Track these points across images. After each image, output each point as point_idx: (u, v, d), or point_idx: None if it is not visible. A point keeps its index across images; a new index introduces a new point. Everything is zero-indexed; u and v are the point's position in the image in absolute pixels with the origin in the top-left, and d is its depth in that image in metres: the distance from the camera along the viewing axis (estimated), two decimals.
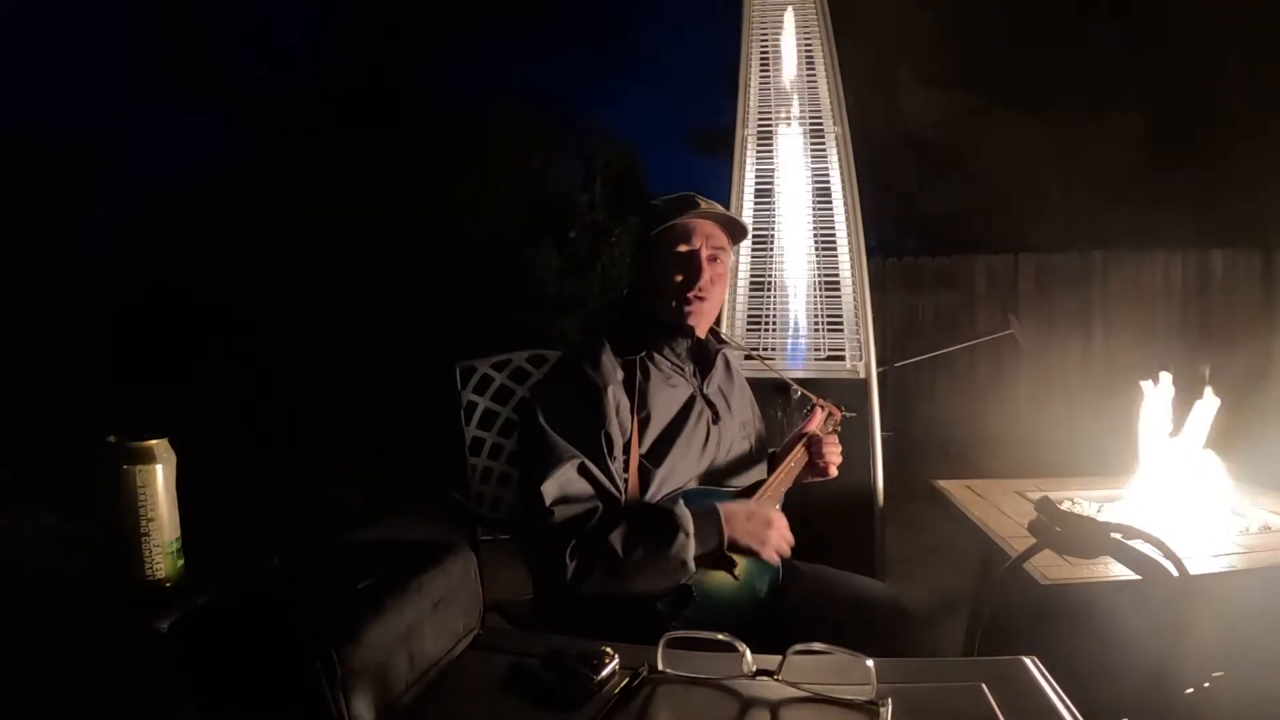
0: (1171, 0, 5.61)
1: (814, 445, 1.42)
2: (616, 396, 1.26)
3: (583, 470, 1.21)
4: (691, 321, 1.36)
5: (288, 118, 6.91)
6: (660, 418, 1.30)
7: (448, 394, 1.79)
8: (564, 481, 1.19)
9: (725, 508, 1.24)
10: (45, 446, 3.21)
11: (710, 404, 1.38)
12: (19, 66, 6.68)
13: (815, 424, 1.46)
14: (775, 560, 1.28)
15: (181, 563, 0.90)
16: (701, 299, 1.35)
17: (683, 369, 1.38)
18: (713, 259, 1.36)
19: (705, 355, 1.40)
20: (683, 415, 1.33)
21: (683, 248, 1.34)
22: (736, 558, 1.25)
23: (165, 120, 7.13)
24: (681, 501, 1.22)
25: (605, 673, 0.68)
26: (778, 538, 1.26)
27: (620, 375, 1.29)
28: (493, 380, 1.83)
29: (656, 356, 1.35)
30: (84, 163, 6.49)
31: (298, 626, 0.63)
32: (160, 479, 0.88)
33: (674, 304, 1.35)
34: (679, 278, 1.34)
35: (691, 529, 1.18)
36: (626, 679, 0.69)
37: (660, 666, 0.70)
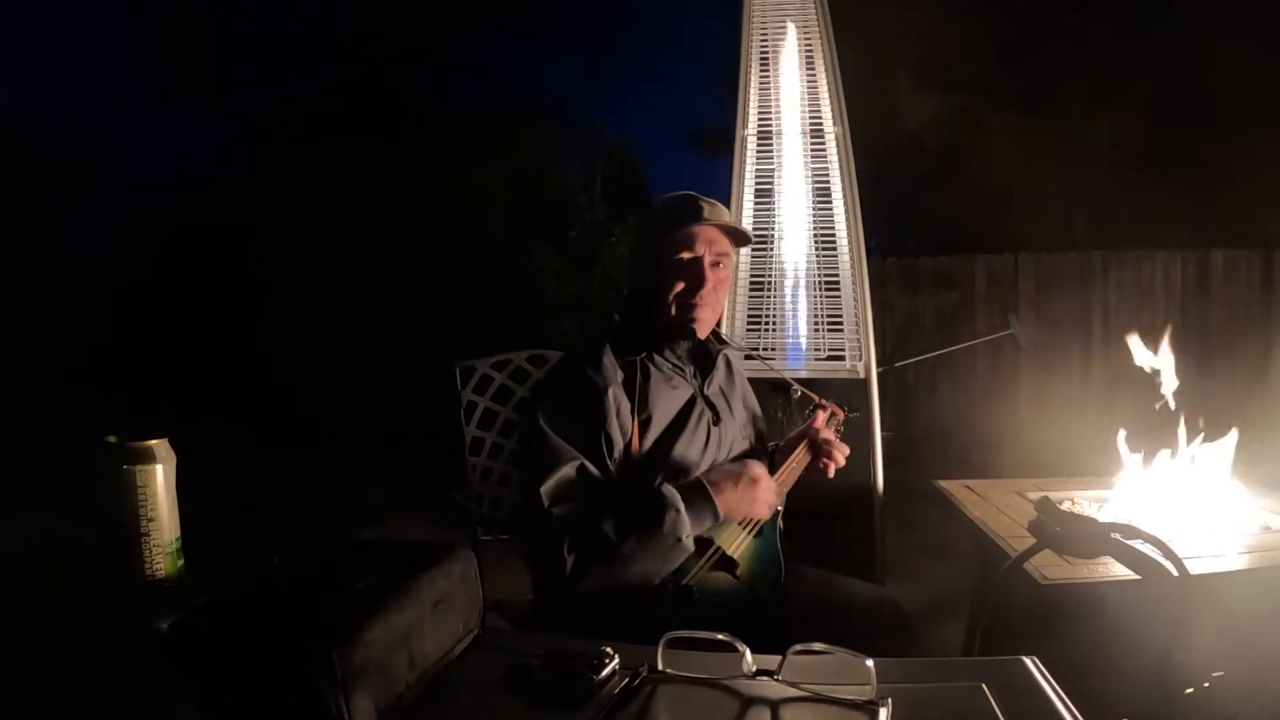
0: (1171, 0, 5.61)
1: (817, 445, 1.42)
2: (617, 398, 1.26)
3: (582, 472, 1.21)
4: (694, 326, 1.36)
5: (288, 117, 6.91)
6: (661, 419, 1.30)
7: (448, 394, 1.79)
8: (563, 483, 1.20)
9: (708, 478, 1.25)
10: (45, 446, 3.21)
11: (711, 405, 1.38)
12: (18, 65, 6.68)
13: (819, 424, 1.46)
14: (765, 514, 1.29)
15: (181, 563, 0.90)
16: (703, 306, 1.35)
17: (683, 370, 1.38)
18: (715, 265, 1.35)
19: (706, 356, 1.40)
20: (683, 416, 1.33)
21: (685, 255, 1.33)
22: (738, 560, 1.25)
23: (166, 119, 7.13)
24: (666, 483, 1.23)
25: (605, 673, 0.68)
26: (765, 491, 1.27)
27: (621, 377, 1.29)
28: (493, 380, 1.83)
29: (657, 358, 1.35)
30: (84, 162, 6.49)
31: (298, 626, 0.63)
32: (160, 479, 0.88)
33: (675, 310, 1.35)
34: (680, 285, 1.34)
35: (681, 504, 1.18)
36: (626, 679, 0.69)
37: (660, 666, 0.70)
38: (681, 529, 1.17)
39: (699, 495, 1.22)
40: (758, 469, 1.29)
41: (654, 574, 1.18)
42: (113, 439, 0.87)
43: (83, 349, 5.58)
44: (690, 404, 1.35)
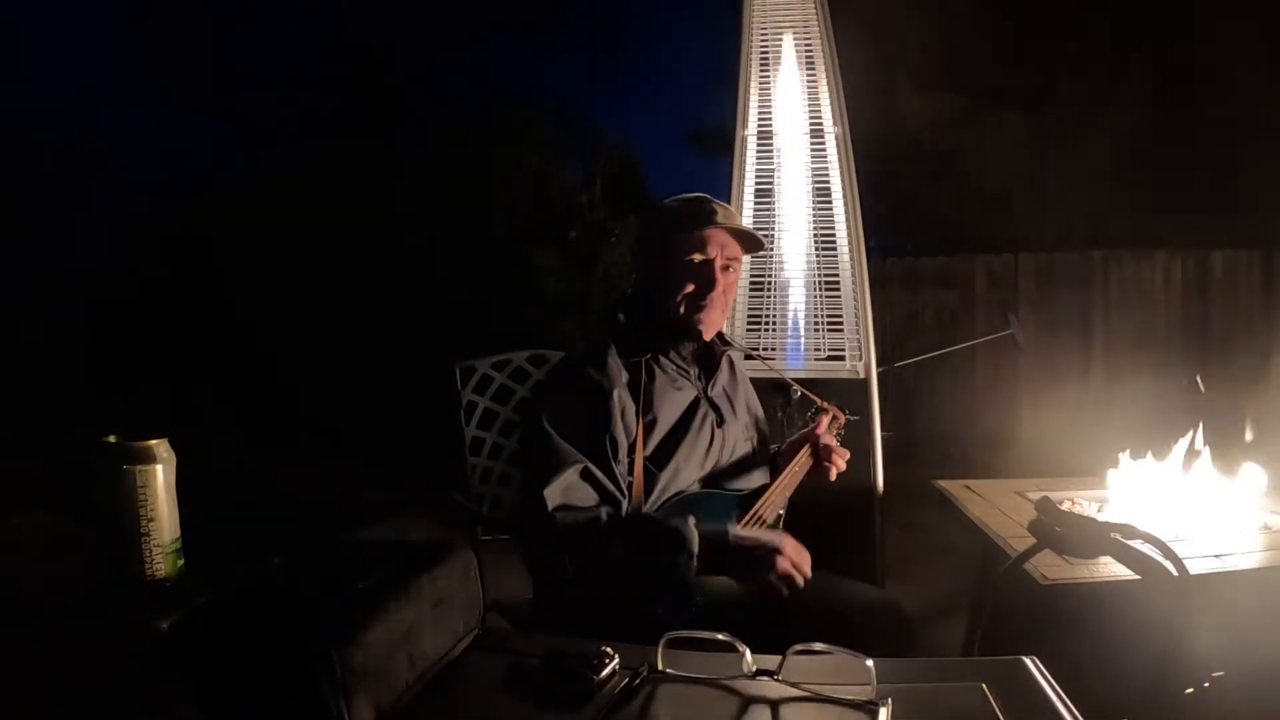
0: (1171, 0, 5.61)
1: (820, 449, 1.42)
2: (622, 399, 1.25)
3: (586, 475, 1.20)
4: (700, 328, 1.35)
5: (288, 117, 6.91)
6: (665, 420, 1.30)
7: (448, 394, 1.79)
8: (567, 486, 1.18)
9: (735, 533, 1.19)
10: (44, 446, 3.20)
11: (715, 406, 1.38)
12: (18, 65, 6.68)
13: (821, 429, 1.46)
14: (781, 589, 1.17)
15: (181, 563, 0.89)
16: (712, 308, 1.34)
17: (688, 371, 1.37)
18: (725, 268, 1.34)
19: (710, 357, 1.40)
20: (688, 418, 1.32)
21: (697, 257, 1.33)
22: None
23: (166, 119, 7.13)
24: (691, 520, 1.17)
25: (605, 673, 0.68)
26: (785, 563, 1.17)
27: (625, 378, 1.28)
28: (493, 380, 1.82)
29: (662, 359, 1.34)
30: (84, 162, 6.49)
31: (298, 627, 0.63)
32: (160, 479, 0.88)
33: (683, 311, 1.34)
34: (690, 287, 1.33)
35: (696, 549, 1.15)
36: (626, 679, 0.69)
37: (660, 666, 0.70)
38: (688, 573, 1.14)
39: (715, 546, 1.16)
40: (788, 542, 1.19)
41: (648, 595, 1.16)
42: (113, 439, 0.87)
43: (83, 349, 5.58)
44: (695, 406, 1.34)
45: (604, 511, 1.19)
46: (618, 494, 1.22)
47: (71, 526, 1.00)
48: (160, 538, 0.87)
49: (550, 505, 1.16)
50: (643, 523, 1.21)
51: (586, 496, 1.20)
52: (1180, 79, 5.56)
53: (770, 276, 2.40)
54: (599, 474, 1.21)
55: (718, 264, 1.33)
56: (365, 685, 0.61)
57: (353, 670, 0.60)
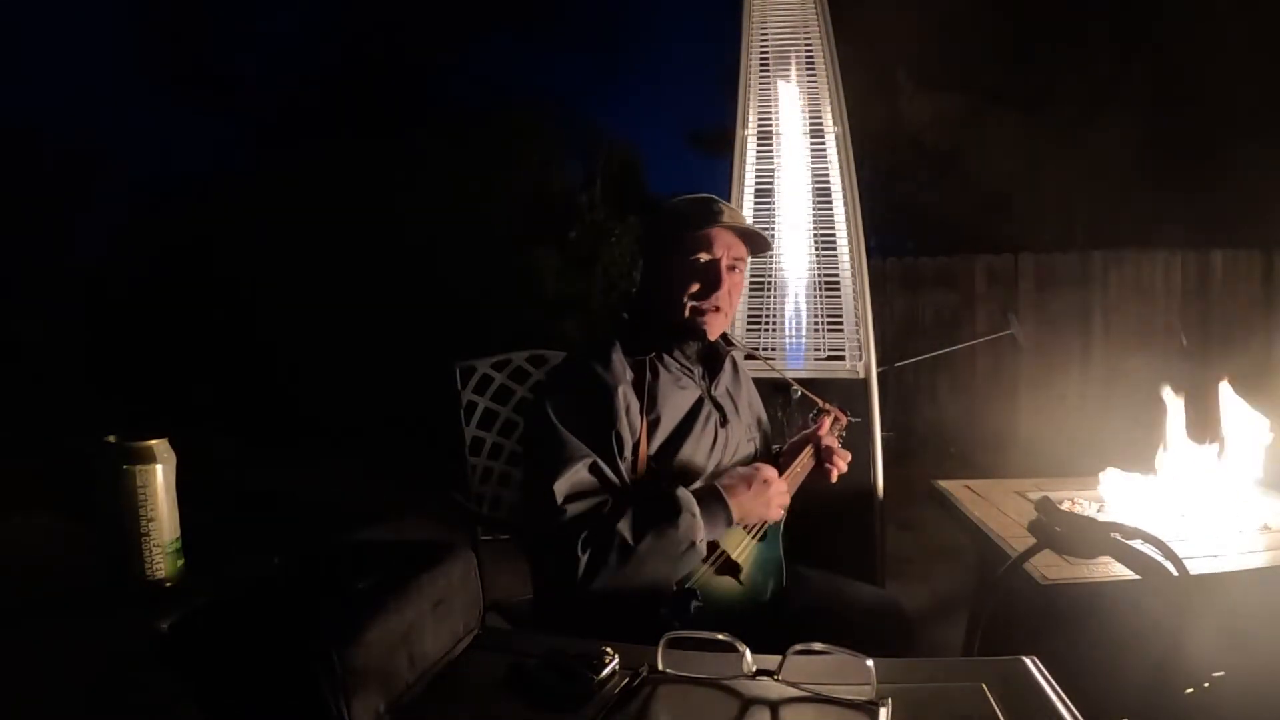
0: (1171, 0, 5.61)
1: (822, 451, 1.42)
2: (627, 397, 1.25)
3: (594, 469, 1.20)
4: (705, 328, 1.35)
5: (288, 118, 6.91)
6: (669, 420, 1.29)
7: (448, 394, 1.79)
8: (576, 480, 1.18)
9: (724, 483, 1.25)
10: (45, 446, 3.21)
11: (718, 406, 1.37)
12: (18, 65, 6.69)
13: (823, 430, 1.46)
14: (778, 515, 1.32)
15: (181, 563, 0.89)
16: (717, 309, 1.34)
17: (692, 371, 1.37)
18: (731, 269, 1.34)
19: (714, 357, 1.40)
20: (691, 417, 1.32)
21: (703, 256, 1.32)
22: (742, 564, 1.25)
23: (166, 119, 7.14)
24: (679, 486, 1.22)
25: (605, 673, 0.68)
26: (778, 493, 1.29)
27: (630, 376, 1.28)
28: (493, 380, 1.82)
29: (666, 358, 1.34)
30: (84, 162, 6.49)
31: (298, 627, 0.63)
32: (160, 479, 0.88)
33: (688, 311, 1.33)
34: (695, 287, 1.32)
35: (697, 509, 1.18)
36: (626, 679, 0.69)
37: (660, 666, 0.70)
38: (696, 533, 1.16)
39: (713, 499, 1.21)
40: (769, 471, 1.29)
41: (665, 578, 1.17)
42: (113, 439, 0.87)
43: (83, 349, 5.58)
44: (698, 405, 1.34)
45: (611, 502, 1.19)
46: (624, 490, 1.22)
47: (71, 526, 1.00)
48: (160, 538, 0.87)
49: (560, 498, 1.16)
50: (639, 501, 1.21)
51: (595, 490, 1.19)
52: (1180, 79, 5.56)
53: (770, 276, 2.39)
54: (606, 469, 1.20)
55: (723, 264, 1.32)
56: (365, 685, 0.61)
57: (353, 670, 0.60)
